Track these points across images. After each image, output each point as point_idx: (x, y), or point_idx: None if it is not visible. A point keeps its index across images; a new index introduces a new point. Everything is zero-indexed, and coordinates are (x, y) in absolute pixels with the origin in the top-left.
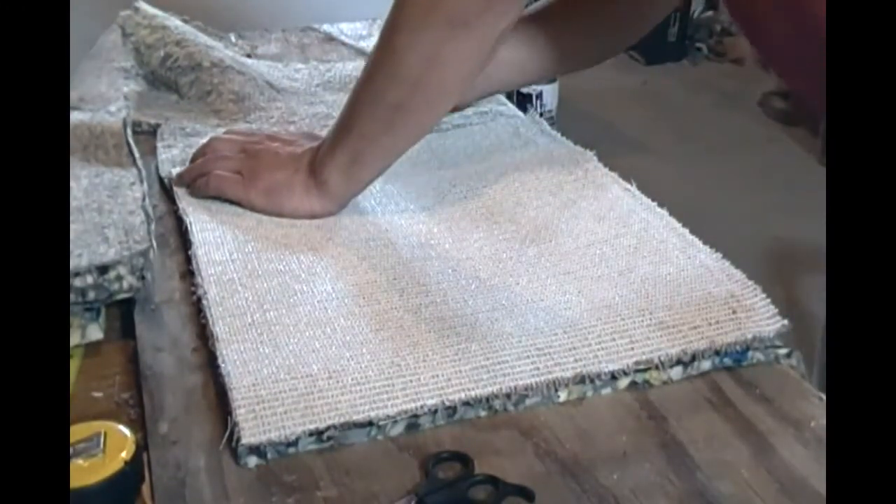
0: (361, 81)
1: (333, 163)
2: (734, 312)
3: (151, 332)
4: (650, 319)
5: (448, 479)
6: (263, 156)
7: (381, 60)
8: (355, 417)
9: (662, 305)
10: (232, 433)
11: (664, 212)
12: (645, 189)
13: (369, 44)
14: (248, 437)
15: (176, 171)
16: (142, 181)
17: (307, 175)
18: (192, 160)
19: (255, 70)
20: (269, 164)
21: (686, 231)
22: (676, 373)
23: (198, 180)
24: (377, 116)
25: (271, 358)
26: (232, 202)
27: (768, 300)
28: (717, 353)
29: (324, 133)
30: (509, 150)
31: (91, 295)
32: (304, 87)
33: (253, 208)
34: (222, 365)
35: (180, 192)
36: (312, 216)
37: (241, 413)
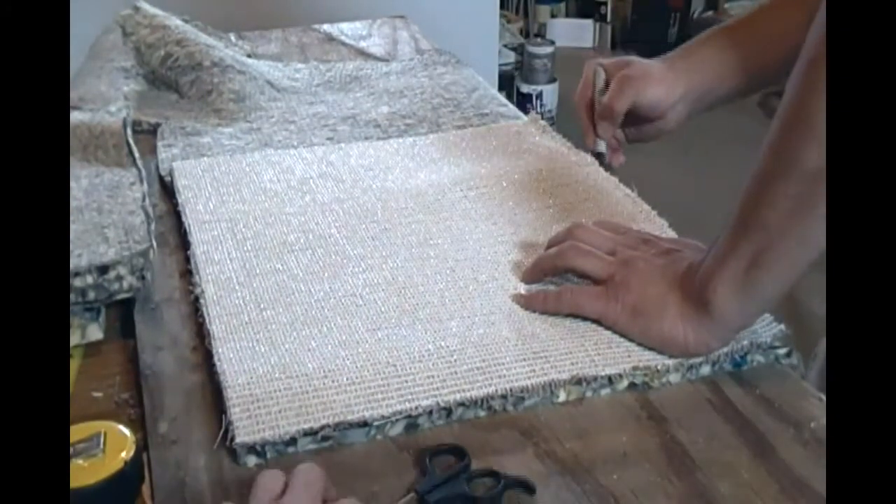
0: (757, 179)
1: (723, 274)
2: None
3: (151, 330)
4: None
5: (447, 475)
6: (638, 265)
7: (783, 158)
8: (350, 417)
9: None
10: (227, 431)
11: (664, 221)
12: (645, 189)
13: (369, 44)
14: (243, 435)
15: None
16: (142, 181)
17: (683, 294)
18: (549, 246)
19: (255, 69)
20: (643, 274)
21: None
22: (675, 378)
23: (549, 297)
24: (781, 206)
25: (267, 356)
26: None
27: None
28: (715, 360)
29: (325, 130)
30: (509, 152)
31: (91, 295)
32: (304, 87)
33: (614, 325)
34: (218, 363)
35: (180, 189)
36: (684, 350)
37: (235, 412)
